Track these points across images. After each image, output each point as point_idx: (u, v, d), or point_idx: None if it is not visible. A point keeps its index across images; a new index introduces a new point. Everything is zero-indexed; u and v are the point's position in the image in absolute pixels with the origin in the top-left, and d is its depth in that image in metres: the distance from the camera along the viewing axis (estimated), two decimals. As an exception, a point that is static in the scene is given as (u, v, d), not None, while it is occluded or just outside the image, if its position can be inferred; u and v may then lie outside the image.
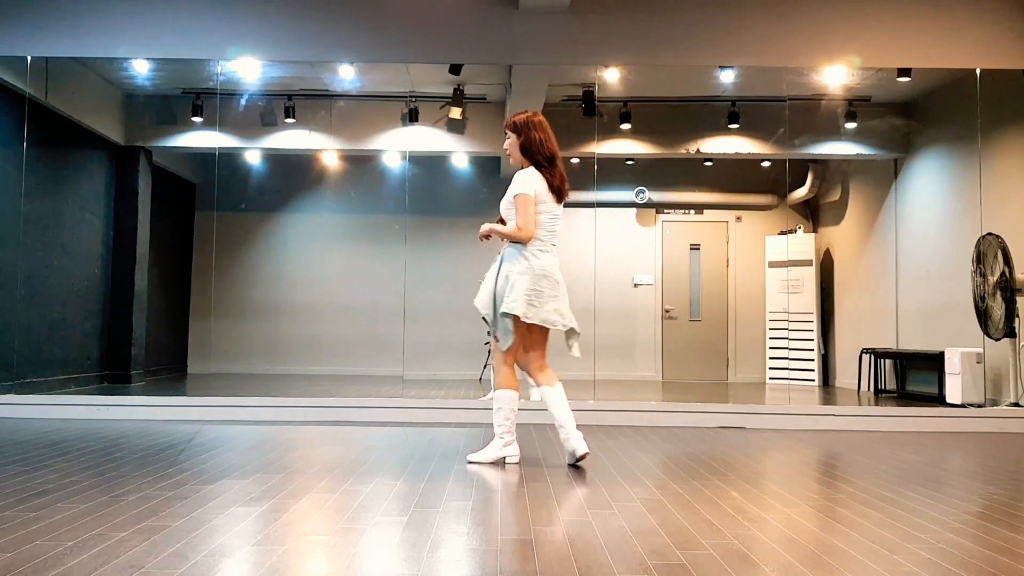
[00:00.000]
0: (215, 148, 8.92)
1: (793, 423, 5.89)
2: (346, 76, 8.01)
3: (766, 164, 10.13)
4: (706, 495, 3.28)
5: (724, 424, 5.86)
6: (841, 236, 9.97)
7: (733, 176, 10.40)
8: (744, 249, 10.59)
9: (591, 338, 7.92)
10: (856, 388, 8.91)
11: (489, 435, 4.52)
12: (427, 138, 8.85)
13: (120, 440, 4.62)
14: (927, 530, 2.72)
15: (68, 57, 6.99)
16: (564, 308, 3.98)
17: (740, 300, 10.53)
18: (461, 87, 8.38)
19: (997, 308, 6.46)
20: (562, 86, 8.05)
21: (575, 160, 9.47)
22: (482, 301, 4.02)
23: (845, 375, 9.53)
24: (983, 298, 6.58)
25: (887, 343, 8.75)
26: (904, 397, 8.16)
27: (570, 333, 4.07)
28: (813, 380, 9.65)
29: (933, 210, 8.20)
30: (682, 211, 10.70)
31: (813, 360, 9.73)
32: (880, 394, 8.59)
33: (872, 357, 8.80)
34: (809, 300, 9.86)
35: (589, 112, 7.81)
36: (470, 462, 3.98)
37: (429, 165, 9.78)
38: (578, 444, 3.91)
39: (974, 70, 6.67)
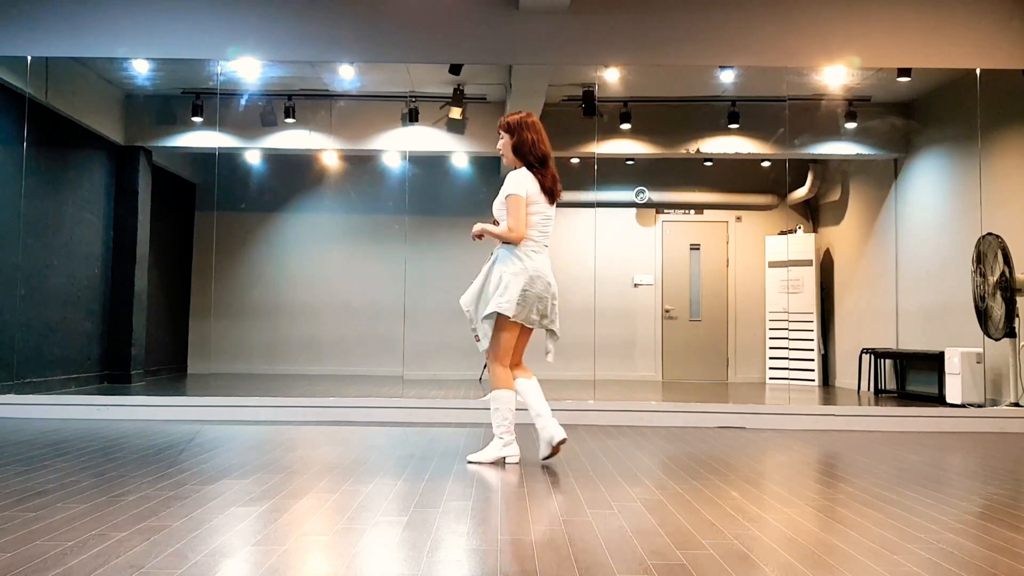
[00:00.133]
0: (215, 148, 8.92)
1: (793, 423, 5.89)
2: (346, 76, 8.01)
3: (766, 164, 10.13)
4: (706, 495, 3.28)
5: (724, 424, 5.86)
6: (841, 236, 9.97)
7: (733, 176, 10.40)
8: (744, 249, 10.59)
9: (591, 338, 7.93)
10: (856, 388, 8.91)
11: (489, 435, 4.52)
12: (427, 138, 8.85)
13: (120, 440, 4.62)
14: (927, 530, 2.72)
15: (68, 57, 6.99)
16: (551, 310, 3.99)
17: (740, 300, 10.53)
18: (461, 87, 8.38)
19: (997, 308, 6.46)
20: (562, 86, 8.05)
21: (575, 160, 9.48)
22: (468, 299, 4.04)
23: (845, 375, 9.53)
24: (983, 298, 6.58)
25: (887, 343, 8.75)
26: (904, 397, 8.16)
27: (551, 335, 4.08)
28: (813, 380, 9.65)
29: (933, 210, 8.20)
30: (682, 211, 10.70)
31: (813, 360, 9.73)
32: (880, 394, 8.59)
33: (872, 357, 8.80)
34: (809, 300, 9.86)
35: (589, 112, 7.81)
36: (470, 462, 3.98)
37: (429, 165, 9.78)
38: (556, 430, 3.91)
39: (974, 70, 6.67)
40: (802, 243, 10.00)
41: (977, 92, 6.77)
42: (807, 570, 2.23)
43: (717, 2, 6.38)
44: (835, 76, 7.69)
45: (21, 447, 4.30)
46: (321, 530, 2.61)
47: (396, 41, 6.44)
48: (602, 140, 8.68)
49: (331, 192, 10.68)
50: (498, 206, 4.03)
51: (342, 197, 10.67)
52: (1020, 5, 6.36)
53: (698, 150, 8.94)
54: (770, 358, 10.04)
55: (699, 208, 10.67)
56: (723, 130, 8.77)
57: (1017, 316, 6.42)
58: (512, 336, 3.97)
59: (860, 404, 7.47)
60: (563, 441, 3.93)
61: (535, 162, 4.01)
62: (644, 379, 10.25)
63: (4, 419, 5.63)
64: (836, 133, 8.84)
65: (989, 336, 6.56)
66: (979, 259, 6.65)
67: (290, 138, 8.94)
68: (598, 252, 8.45)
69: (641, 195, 10.35)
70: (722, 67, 6.98)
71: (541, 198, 3.99)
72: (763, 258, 10.35)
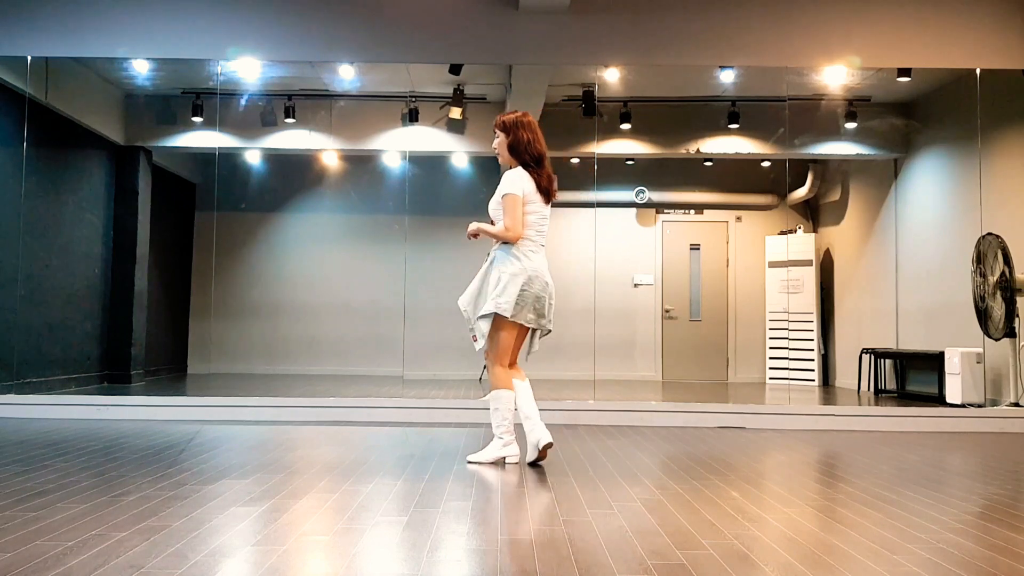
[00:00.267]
0: (215, 148, 8.92)
1: (793, 423, 5.89)
2: (346, 76, 8.01)
3: (766, 164, 10.13)
4: (706, 495, 3.28)
5: (724, 424, 5.86)
6: (841, 236, 9.97)
7: (733, 176, 10.40)
8: (744, 249, 10.59)
9: (591, 338, 7.93)
10: (856, 388, 8.91)
11: (489, 435, 4.52)
12: (427, 138, 8.85)
13: (120, 440, 4.62)
14: (927, 530, 2.72)
15: (68, 57, 6.99)
16: (548, 310, 4.01)
17: (740, 300, 10.53)
18: (461, 87, 8.38)
19: (997, 308, 6.46)
20: (562, 86, 8.05)
21: (575, 160, 9.48)
22: (466, 299, 4.04)
23: (845, 375, 9.53)
24: (983, 298, 6.58)
25: (887, 343, 8.75)
26: (904, 397, 8.16)
27: (542, 333, 4.09)
28: (813, 380, 9.65)
29: (933, 210, 8.20)
30: (682, 211, 10.69)
31: (813, 360, 9.73)
32: (880, 394, 8.59)
33: (872, 357, 8.80)
34: (809, 300, 9.86)
35: (589, 112, 7.81)
36: (470, 462, 3.98)
37: (429, 165, 9.78)
38: (543, 434, 3.90)
39: (974, 70, 6.67)
40: (802, 243, 10.00)
41: (977, 92, 6.77)
42: (807, 570, 2.23)
43: (717, 2, 6.38)
44: (835, 76, 7.69)
45: (21, 447, 4.30)
46: (321, 530, 2.61)
47: (396, 41, 6.44)
48: (602, 140, 8.68)
49: (331, 192, 10.68)
50: (494, 206, 4.03)
51: (342, 197, 10.67)
52: (1020, 5, 6.36)
53: (698, 150, 8.94)
54: (770, 358, 10.04)
55: (699, 208, 10.67)
56: (723, 130, 8.77)
57: (1017, 316, 6.42)
58: (511, 336, 3.97)
59: (860, 404, 7.47)
60: (549, 445, 3.92)
61: (531, 161, 4.01)
62: (644, 379, 10.25)
63: (4, 419, 5.63)
64: (836, 133, 8.84)
65: (989, 336, 6.56)
66: (979, 259, 6.65)
67: (290, 138, 8.94)
68: (598, 252, 8.45)
69: (641, 195, 10.35)
70: (722, 67, 6.98)
71: (537, 197, 3.99)
72: (763, 258, 10.35)
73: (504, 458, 3.99)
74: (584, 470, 3.86)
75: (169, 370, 9.83)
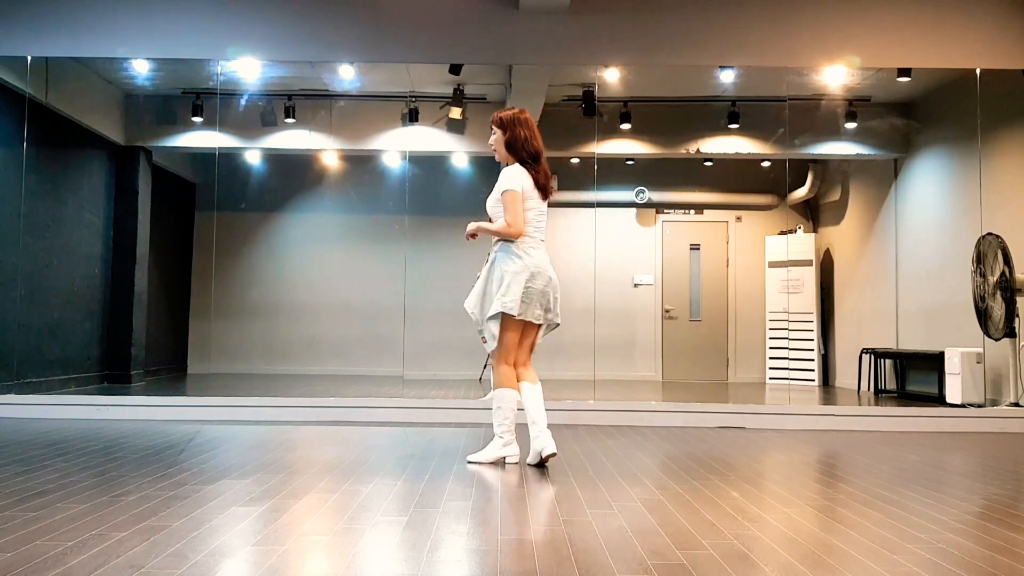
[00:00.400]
0: (215, 148, 8.92)
1: (793, 423, 5.89)
2: (346, 76, 8.01)
3: (766, 164, 10.13)
4: (706, 495, 3.28)
5: (724, 424, 5.86)
6: (841, 236, 9.97)
7: (733, 176, 10.40)
8: (744, 249, 10.59)
9: (591, 338, 7.93)
10: (856, 388, 8.91)
11: (489, 435, 4.52)
12: (427, 138, 8.85)
13: (120, 440, 4.62)
14: (927, 530, 2.72)
15: (68, 57, 6.99)
16: (555, 304, 4.00)
17: (740, 300, 10.53)
18: (461, 87, 8.38)
19: (997, 308, 6.46)
20: (562, 86, 8.05)
21: (575, 160, 9.48)
22: (472, 301, 4.03)
23: (845, 375, 9.53)
24: (983, 298, 6.58)
25: (887, 343, 8.75)
26: (904, 397, 8.16)
27: (551, 326, 4.07)
28: (813, 380, 9.65)
29: (933, 210, 8.20)
30: (682, 211, 10.70)
31: (813, 360, 9.73)
32: (880, 394, 8.59)
33: (872, 357, 8.80)
34: (809, 300, 9.86)
35: (589, 112, 7.81)
36: (470, 462, 3.98)
37: (429, 165, 9.78)
38: (547, 443, 3.86)
39: (974, 70, 6.67)
40: (802, 243, 10.00)
41: (977, 92, 6.77)
42: (807, 570, 2.23)
43: (717, 2, 6.38)
44: (835, 76, 7.69)
45: (21, 447, 4.30)
46: (321, 530, 2.61)
47: (396, 41, 6.44)
48: (602, 140, 8.68)
49: (331, 192, 10.68)
50: (492, 203, 4.02)
51: (342, 197, 10.67)
52: (1020, 5, 6.36)
53: (698, 150, 8.94)
54: (770, 358, 10.05)
55: (699, 208, 10.67)
56: (723, 130, 8.77)
57: (1017, 316, 6.42)
58: (515, 335, 3.96)
59: (860, 404, 7.47)
60: (552, 455, 3.90)
61: (528, 158, 4.01)
62: (644, 379, 10.25)
63: (4, 419, 5.63)
64: (836, 133, 8.84)
65: (989, 336, 6.56)
66: (979, 259, 6.65)
67: (290, 138, 8.94)
68: (598, 252, 8.45)
69: (641, 195, 10.35)
70: (722, 67, 6.98)
71: (535, 194, 3.99)
72: (763, 258, 10.35)
73: (504, 458, 3.99)
74: (584, 470, 3.86)
75: (169, 370, 9.83)
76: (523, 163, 4.01)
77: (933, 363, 7.60)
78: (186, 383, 8.86)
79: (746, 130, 8.79)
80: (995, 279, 6.49)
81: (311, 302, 10.44)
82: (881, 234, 9.09)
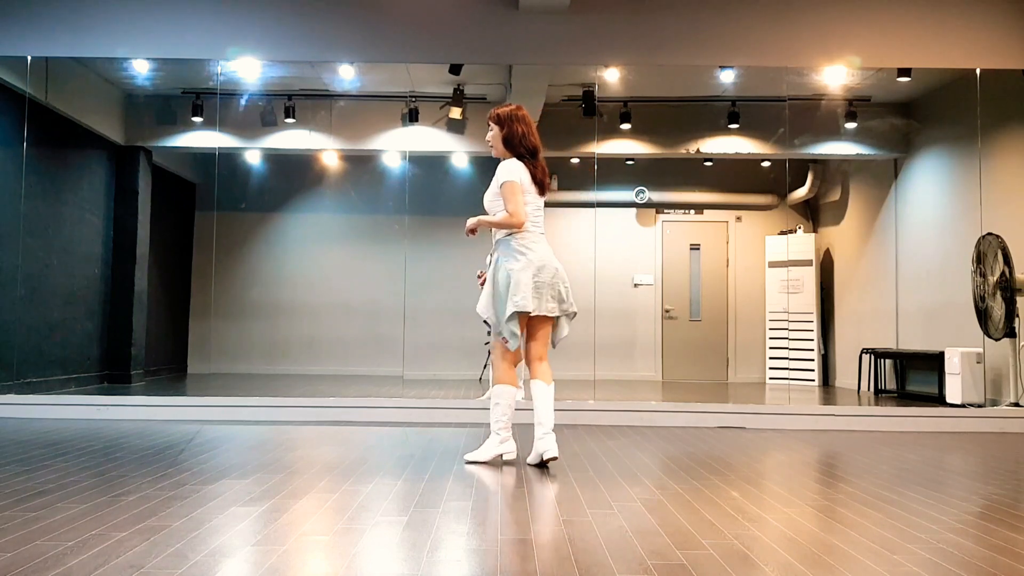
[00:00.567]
0: (215, 148, 8.92)
1: (793, 423, 5.89)
2: (346, 76, 8.01)
3: (766, 164, 10.13)
4: (706, 495, 3.28)
5: (724, 424, 5.86)
6: (841, 236, 9.97)
7: (733, 176, 10.40)
8: (744, 249, 10.59)
9: (591, 338, 7.93)
10: (856, 388, 8.91)
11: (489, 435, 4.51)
12: (427, 138, 8.85)
13: (120, 440, 4.62)
14: (927, 530, 2.72)
15: (68, 57, 6.99)
16: (567, 293, 3.98)
17: (740, 300, 10.53)
18: (461, 87, 8.38)
19: (997, 308, 6.46)
20: (562, 86, 8.05)
21: (575, 160, 9.48)
22: (484, 306, 4.00)
23: (845, 375, 9.53)
24: (983, 298, 6.58)
25: (887, 343, 8.75)
26: (904, 397, 8.16)
27: (569, 316, 4.05)
28: (813, 380, 9.65)
29: (933, 210, 8.20)
30: (682, 211, 10.70)
31: (813, 360, 9.73)
32: (880, 394, 8.59)
33: (872, 357, 8.80)
34: (809, 300, 9.86)
35: (589, 112, 7.81)
36: (467, 462, 3.98)
37: (429, 165, 9.78)
38: (550, 446, 3.83)
39: (974, 70, 6.67)
40: (802, 243, 10.00)
41: (977, 92, 6.77)
42: (807, 570, 2.23)
43: (717, 2, 6.38)
44: (835, 76, 7.69)
45: (21, 447, 4.30)
46: (321, 530, 2.61)
47: (396, 41, 6.44)
48: (602, 140, 8.68)
49: (331, 192, 10.68)
50: (491, 197, 4.02)
51: (342, 197, 10.67)
52: (1020, 5, 6.36)
53: (698, 150, 8.94)
54: (770, 358, 10.05)
55: (699, 208, 10.67)
56: (723, 130, 8.77)
57: (1017, 316, 6.42)
58: (521, 331, 3.95)
59: (860, 404, 7.47)
60: (554, 459, 3.88)
61: (526, 153, 4.02)
62: (644, 379, 10.25)
63: (4, 419, 5.63)
64: (836, 133, 8.84)
65: (989, 336, 6.56)
66: (979, 259, 6.65)
67: (290, 138, 8.94)
68: (598, 252, 8.45)
69: (641, 195, 10.35)
70: (722, 67, 6.97)
71: (532, 188, 4.00)
72: (763, 258, 10.36)
73: (501, 455, 3.99)
74: (584, 470, 3.86)
75: (169, 370, 9.83)
76: (520, 158, 4.02)
77: (933, 363, 7.60)
78: (186, 383, 8.86)
79: (746, 130, 8.79)
80: (995, 279, 6.49)
81: (311, 302, 10.44)
82: (881, 234, 9.09)
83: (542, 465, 3.93)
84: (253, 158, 10.00)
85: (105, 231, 8.56)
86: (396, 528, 2.65)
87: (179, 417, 5.80)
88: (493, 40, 6.43)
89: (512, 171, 3.95)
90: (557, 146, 8.63)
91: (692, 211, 10.69)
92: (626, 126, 8.65)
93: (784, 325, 9.86)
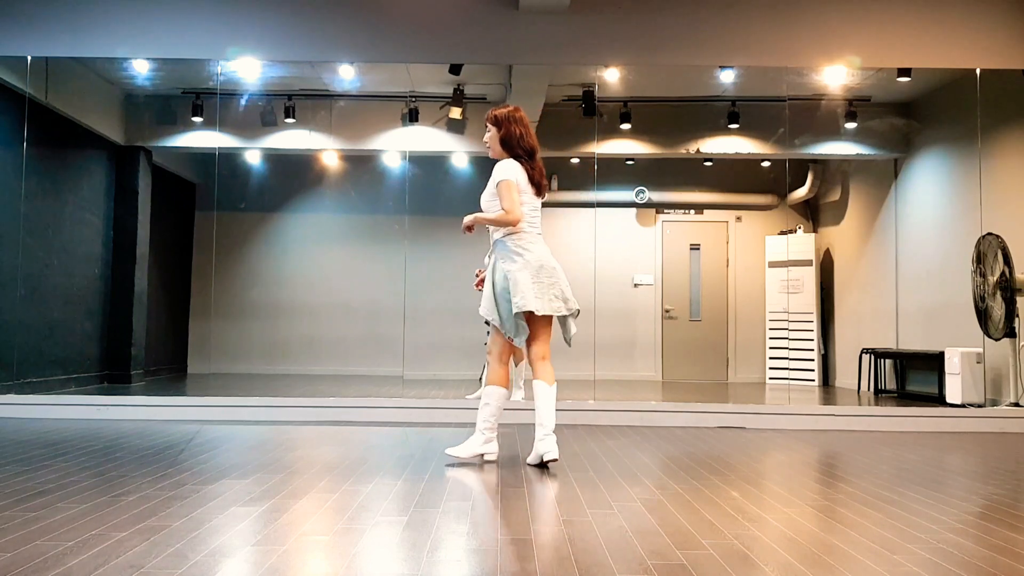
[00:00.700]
0: (215, 148, 8.91)
1: (793, 423, 5.89)
2: (346, 76, 8.01)
3: (766, 164, 10.13)
4: (706, 495, 3.28)
5: (724, 424, 5.86)
6: (841, 236, 9.97)
7: (733, 176, 10.40)
8: (744, 249, 10.59)
9: (591, 338, 7.92)
10: (856, 388, 8.91)
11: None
12: (427, 138, 8.85)
13: (120, 440, 4.62)
14: (927, 530, 2.72)
15: (68, 57, 6.98)
16: (567, 292, 3.98)
17: (740, 300, 10.53)
18: (461, 87, 8.38)
19: (997, 308, 6.46)
20: (562, 86, 8.05)
21: (575, 160, 9.48)
22: (487, 308, 3.99)
23: (845, 375, 9.53)
24: (983, 298, 6.58)
25: (887, 343, 8.75)
26: (904, 397, 8.16)
27: (573, 314, 4.05)
28: (813, 380, 9.65)
29: (933, 210, 8.20)
30: (682, 211, 10.70)
31: (813, 360, 9.73)
32: (880, 394, 8.59)
33: (872, 357, 8.80)
34: (809, 300, 9.86)
35: (589, 112, 7.81)
36: (449, 456, 3.98)
37: (429, 165, 9.78)
38: (550, 447, 3.82)
39: (974, 70, 6.67)
40: (802, 243, 10.00)
41: (977, 92, 6.77)
42: (807, 570, 2.23)
43: (717, 2, 6.38)
44: (835, 76, 7.68)
45: (21, 447, 4.30)
46: (321, 530, 2.61)
47: (396, 41, 6.44)
48: (602, 140, 8.68)
49: (331, 192, 10.68)
50: (488, 197, 4.02)
51: (342, 197, 10.67)
52: (1020, 5, 6.36)
53: (698, 150, 8.94)
54: (770, 358, 10.05)
55: (699, 208, 10.67)
56: (723, 130, 8.77)
57: (1017, 316, 6.42)
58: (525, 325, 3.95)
59: (860, 404, 7.47)
60: (554, 460, 3.88)
61: (523, 155, 4.02)
62: (644, 379, 10.25)
63: (4, 419, 5.63)
64: (836, 133, 8.84)
65: (989, 336, 6.56)
66: (979, 259, 6.64)
67: (290, 138, 8.94)
68: (598, 252, 8.44)
69: (641, 195, 10.35)
70: (722, 67, 6.97)
71: (529, 189, 4.00)
72: (763, 258, 10.35)
73: (483, 455, 3.98)
74: (584, 470, 3.86)
75: (169, 370, 9.83)
76: (518, 159, 4.02)
77: (933, 363, 7.60)
78: (186, 383, 8.86)
79: (746, 130, 8.79)
80: (995, 279, 6.49)
81: (311, 302, 10.44)
82: (881, 234, 9.09)
83: (541, 465, 3.93)
84: (253, 158, 10.00)
85: (105, 231, 8.55)
86: (396, 528, 2.65)
87: (179, 417, 5.80)
88: (493, 40, 6.43)
89: (508, 170, 3.95)
90: (557, 146, 8.63)
91: (692, 211, 10.69)
92: (626, 126, 8.65)
93: (784, 325, 9.86)
